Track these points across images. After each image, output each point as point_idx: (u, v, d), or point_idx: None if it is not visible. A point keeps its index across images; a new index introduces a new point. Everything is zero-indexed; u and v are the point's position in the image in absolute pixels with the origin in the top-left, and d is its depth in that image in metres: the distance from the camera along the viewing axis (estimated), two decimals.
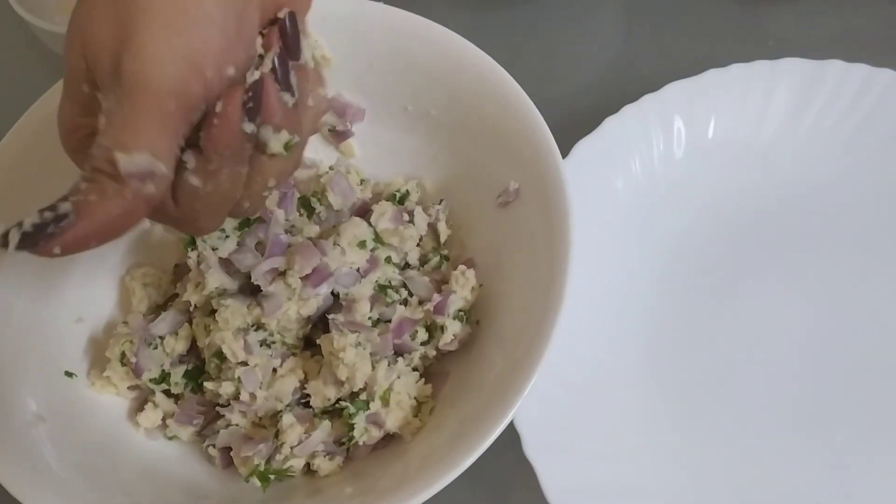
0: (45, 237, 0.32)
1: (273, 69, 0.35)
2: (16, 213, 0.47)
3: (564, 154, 0.49)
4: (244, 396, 0.46)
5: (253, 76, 0.34)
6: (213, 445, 0.47)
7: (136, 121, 0.32)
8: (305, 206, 0.51)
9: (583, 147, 0.55)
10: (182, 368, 0.49)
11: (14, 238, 0.32)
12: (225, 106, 0.34)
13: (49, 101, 0.48)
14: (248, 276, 0.47)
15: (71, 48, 0.35)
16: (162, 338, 0.48)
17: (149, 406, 0.48)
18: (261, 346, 0.46)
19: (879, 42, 0.62)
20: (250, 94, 0.34)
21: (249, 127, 0.34)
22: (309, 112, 0.37)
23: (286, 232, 0.49)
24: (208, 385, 0.47)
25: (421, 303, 0.48)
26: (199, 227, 0.37)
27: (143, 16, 0.32)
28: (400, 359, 0.47)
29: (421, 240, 0.51)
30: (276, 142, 0.36)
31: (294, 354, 0.48)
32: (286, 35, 0.36)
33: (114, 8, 0.33)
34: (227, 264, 0.47)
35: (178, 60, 0.32)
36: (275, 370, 0.47)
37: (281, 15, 0.36)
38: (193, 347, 0.49)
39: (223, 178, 0.35)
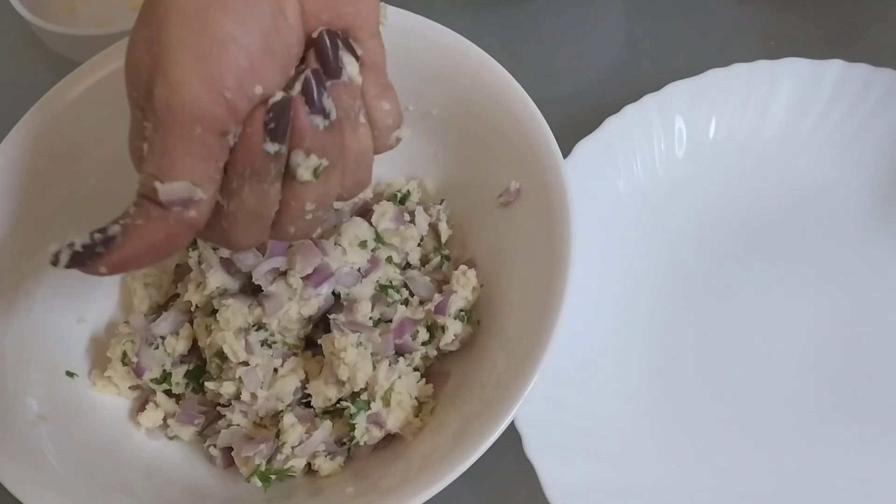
0: (93, 257, 0.34)
1: (305, 89, 0.34)
2: (15, 213, 0.48)
3: (565, 154, 0.49)
4: (245, 396, 0.46)
5: (277, 96, 0.34)
6: (215, 445, 0.47)
7: (170, 148, 0.33)
8: None
9: (584, 147, 0.55)
10: (183, 368, 0.49)
11: (64, 257, 0.34)
12: (245, 126, 0.34)
13: (50, 102, 0.48)
14: (250, 276, 0.47)
15: (125, 73, 0.35)
16: (163, 338, 0.48)
17: (150, 406, 0.48)
18: (262, 345, 0.46)
19: (880, 42, 0.62)
20: (271, 114, 0.33)
21: (272, 147, 0.34)
22: (361, 131, 0.37)
23: None
24: (209, 385, 0.47)
25: (422, 303, 0.48)
26: (233, 244, 0.37)
27: (168, 40, 0.33)
28: (401, 359, 0.47)
29: (422, 240, 0.51)
30: (304, 168, 0.35)
31: (295, 354, 0.48)
32: (321, 52, 0.35)
33: (147, 32, 0.34)
34: (228, 264, 0.47)
35: (197, 84, 0.32)
36: (276, 370, 0.47)
37: (315, 35, 0.35)
38: (195, 347, 0.49)
39: (246, 196, 0.35)
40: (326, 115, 0.35)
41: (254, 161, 0.34)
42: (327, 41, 0.35)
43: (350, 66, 0.36)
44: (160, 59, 0.33)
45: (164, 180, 0.33)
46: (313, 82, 0.34)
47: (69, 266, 0.34)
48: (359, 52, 0.36)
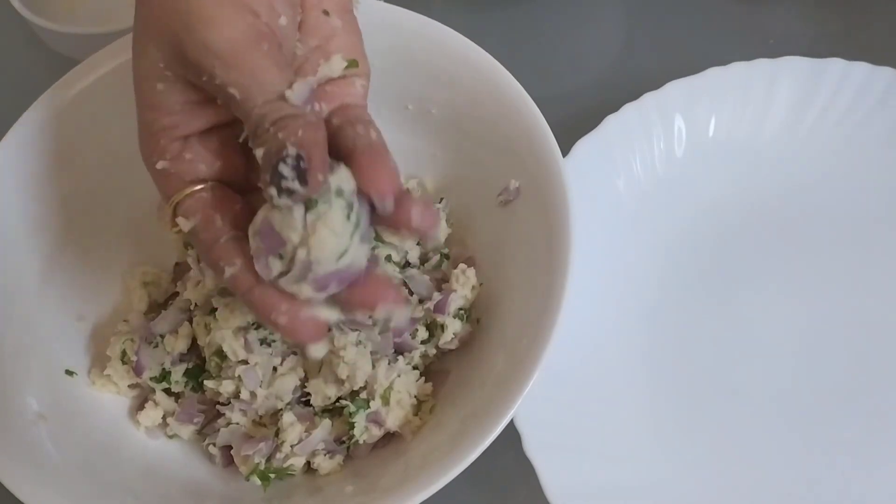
0: (303, 178, 0.33)
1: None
2: (15, 211, 0.47)
3: (565, 153, 0.49)
4: (245, 395, 0.46)
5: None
6: (214, 444, 0.47)
7: (261, 66, 0.34)
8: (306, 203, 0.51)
9: (583, 146, 0.55)
10: (182, 367, 0.49)
11: (282, 196, 0.34)
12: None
13: (50, 100, 0.48)
14: None
15: (150, 46, 0.36)
16: (162, 336, 0.48)
17: (149, 405, 0.48)
18: (261, 344, 0.46)
19: (880, 40, 0.62)
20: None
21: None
22: None
23: None
24: (209, 384, 0.47)
25: (421, 301, 0.48)
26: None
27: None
28: (400, 357, 0.47)
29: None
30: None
31: (294, 353, 0.48)
32: None
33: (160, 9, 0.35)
34: None
35: (233, 13, 0.34)
36: (275, 369, 0.47)
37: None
38: (194, 346, 0.49)
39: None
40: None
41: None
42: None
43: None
44: (191, 15, 0.34)
45: (284, 90, 0.34)
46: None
47: (292, 199, 0.34)
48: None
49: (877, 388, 0.51)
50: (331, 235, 0.34)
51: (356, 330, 0.46)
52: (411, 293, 0.49)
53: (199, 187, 0.38)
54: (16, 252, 0.48)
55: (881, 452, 0.49)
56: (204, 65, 0.34)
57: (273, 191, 0.33)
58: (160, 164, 0.37)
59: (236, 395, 0.46)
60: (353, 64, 0.40)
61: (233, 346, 0.46)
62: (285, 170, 0.33)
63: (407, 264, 0.50)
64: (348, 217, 0.35)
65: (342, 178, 0.35)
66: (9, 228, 0.47)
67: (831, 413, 0.50)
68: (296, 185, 0.33)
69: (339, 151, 0.36)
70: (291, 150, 0.33)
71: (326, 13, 0.39)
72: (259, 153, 0.34)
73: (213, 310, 0.47)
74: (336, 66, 0.39)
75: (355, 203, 0.35)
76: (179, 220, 0.38)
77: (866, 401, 0.50)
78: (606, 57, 0.64)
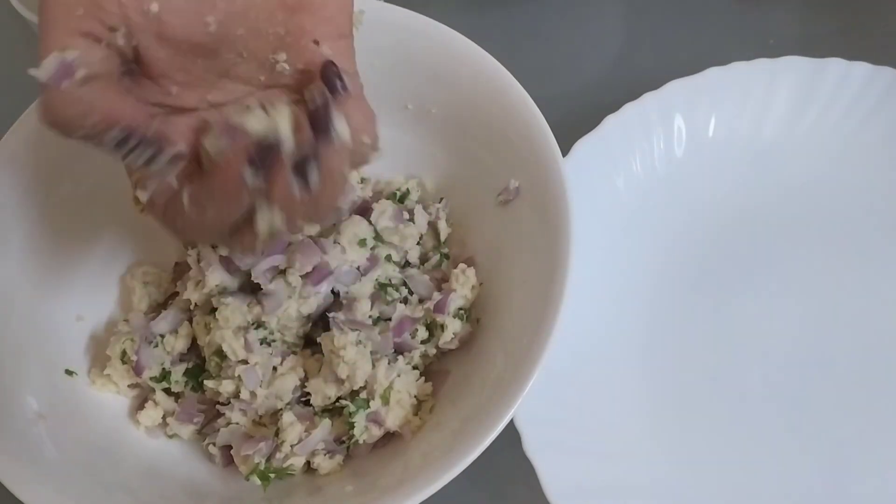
0: None
1: (296, 166, 0.35)
2: (14, 212, 0.47)
3: (565, 152, 0.49)
4: (244, 395, 0.46)
5: (270, 137, 0.34)
6: (214, 444, 0.47)
7: (44, 25, 0.34)
8: None
9: (583, 145, 0.55)
10: (182, 367, 0.49)
11: None
12: (228, 154, 0.34)
13: None
14: (249, 275, 0.47)
15: None
16: (162, 336, 0.48)
17: (149, 404, 0.48)
18: (261, 344, 0.46)
19: (880, 40, 0.62)
20: (259, 151, 0.34)
21: (250, 179, 0.35)
22: (339, 184, 0.37)
23: None
24: (209, 383, 0.47)
25: (421, 301, 0.48)
26: (184, 237, 0.39)
27: None
28: (400, 357, 0.47)
29: (421, 238, 0.51)
30: (262, 221, 0.36)
31: (294, 353, 0.48)
32: (315, 117, 0.36)
33: None
34: (227, 262, 0.47)
35: None
36: (275, 368, 0.47)
37: (310, 99, 0.36)
38: (194, 346, 0.49)
39: (210, 213, 0.36)
40: (308, 184, 0.35)
41: (228, 186, 0.35)
42: (319, 101, 0.36)
43: (342, 130, 0.36)
44: None
45: (38, 66, 0.33)
46: (309, 159, 0.35)
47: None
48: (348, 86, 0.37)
49: (874, 386, 0.51)
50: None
51: (356, 330, 0.46)
52: (411, 293, 0.49)
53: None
54: (15, 252, 0.48)
55: (879, 451, 0.49)
56: None
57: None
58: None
59: (236, 394, 0.46)
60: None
61: (233, 346, 0.46)
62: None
63: (407, 264, 0.50)
64: None
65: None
66: (8, 228, 0.47)
67: (829, 412, 0.50)
68: None
69: None
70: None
71: (317, 43, 0.37)
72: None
73: (213, 310, 0.47)
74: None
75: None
76: (138, 192, 0.39)
77: (864, 399, 0.50)
78: (606, 57, 0.64)
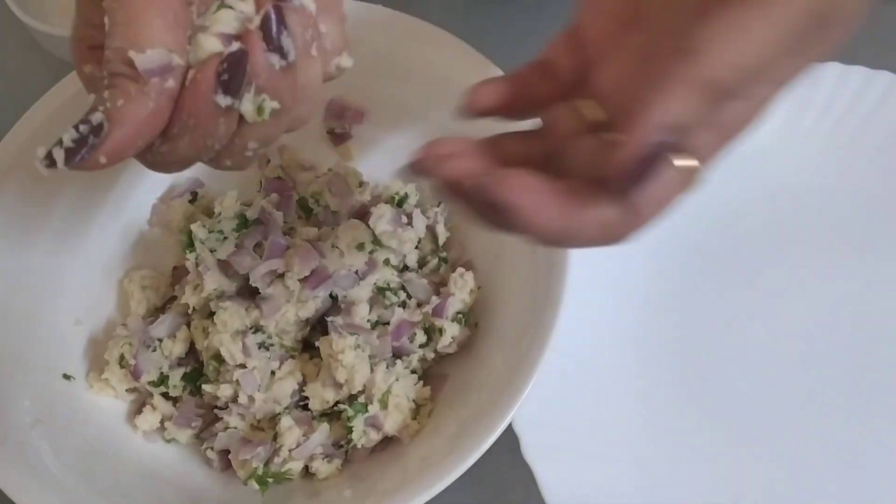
0: (87, 149, 0.31)
1: (264, 24, 0.32)
2: (13, 214, 0.47)
3: None
4: (243, 399, 0.46)
5: (233, 47, 0.32)
6: (212, 448, 0.47)
7: (139, 15, 0.31)
8: (304, 207, 0.51)
9: None
10: (181, 371, 0.49)
11: (59, 156, 0.31)
12: (197, 74, 0.32)
13: (47, 104, 0.48)
14: (247, 279, 0.47)
15: None
16: (160, 340, 0.48)
17: (147, 409, 0.48)
18: (259, 348, 0.46)
19: (877, 44, 0.62)
20: (226, 64, 0.32)
21: (224, 101, 0.32)
22: (312, 66, 0.34)
23: (285, 234, 0.49)
24: (207, 387, 0.47)
25: (420, 305, 0.48)
26: (158, 170, 0.35)
27: None
28: (398, 361, 0.47)
29: (419, 242, 0.51)
30: (253, 107, 0.33)
31: (292, 357, 0.48)
32: None
33: None
34: (225, 266, 0.47)
35: None
36: (273, 372, 0.47)
37: None
38: (192, 350, 0.49)
39: (183, 145, 0.33)
40: (284, 56, 0.33)
41: (200, 112, 0.32)
42: None
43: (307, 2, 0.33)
44: None
45: (139, 50, 0.31)
46: (273, 18, 0.32)
47: (68, 164, 0.31)
48: None
49: (871, 386, 0.51)
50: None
51: (354, 334, 0.46)
52: (410, 297, 0.49)
53: None
54: (13, 256, 0.47)
55: (876, 451, 0.49)
56: None
57: (42, 150, 0.31)
58: (87, 68, 0.36)
59: (234, 398, 0.46)
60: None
61: (231, 350, 0.46)
62: (68, 136, 0.31)
63: (405, 268, 0.50)
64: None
65: None
66: (7, 231, 0.47)
67: (826, 413, 0.50)
68: (62, 156, 0.31)
69: None
70: (96, 116, 0.31)
71: None
72: (90, 99, 0.32)
73: (212, 314, 0.47)
74: (345, 62, 0.37)
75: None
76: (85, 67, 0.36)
77: (861, 400, 0.51)
78: None
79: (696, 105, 0.31)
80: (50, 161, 0.31)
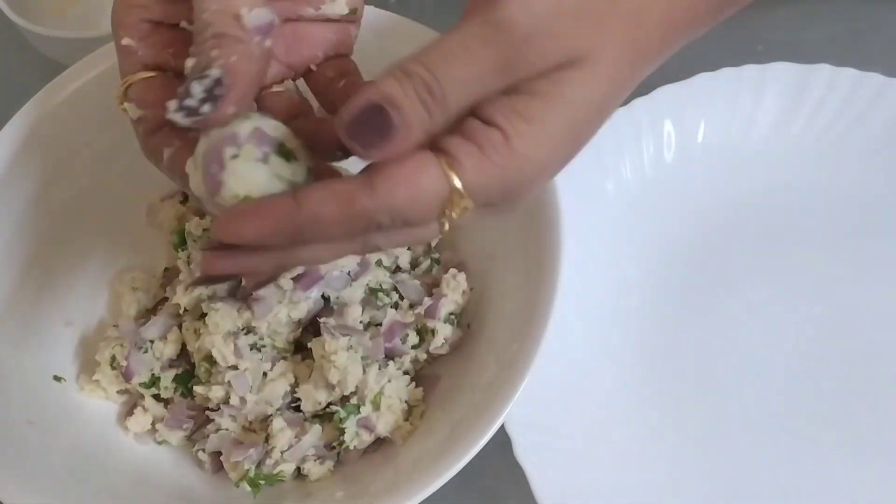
0: (215, 102, 0.32)
1: None
2: (3, 215, 0.47)
3: None
4: (234, 400, 0.46)
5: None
6: (203, 450, 0.47)
7: None
8: None
9: None
10: (172, 373, 0.49)
11: (179, 112, 0.32)
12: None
13: (39, 104, 0.48)
14: (239, 280, 0.47)
15: None
16: (152, 341, 0.48)
17: (138, 410, 0.48)
18: (251, 349, 0.46)
19: (867, 46, 0.63)
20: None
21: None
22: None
23: None
24: (198, 389, 0.47)
25: (412, 306, 0.48)
26: (172, 174, 0.36)
27: None
28: (391, 362, 0.47)
29: None
30: None
31: (284, 358, 0.48)
32: None
33: None
34: None
35: None
36: (265, 374, 0.47)
37: None
38: (183, 351, 0.49)
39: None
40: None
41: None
42: None
43: None
44: None
45: (241, 9, 0.32)
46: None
47: (191, 119, 0.32)
48: None
49: (866, 388, 0.51)
50: (240, 181, 0.32)
51: (347, 335, 0.46)
52: (402, 298, 0.49)
53: (154, 74, 0.37)
54: (2, 256, 0.47)
55: (871, 453, 0.49)
56: None
57: (173, 103, 0.32)
58: (125, 41, 0.36)
59: (226, 400, 0.46)
60: (353, 11, 0.39)
61: (222, 352, 0.46)
62: (196, 88, 0.32)
63: (398, 269, 0.50)
64: (265, 161, 0.32)
65: (267, 125, 0.33)
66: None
67: (820, 415, 0.50)
68: (200, 106, 0.32)
69: (334, 105, 0.36)
70: (214, 72, 0.32)
71: None
72: (189, 62, 0.33)
73: (203, 315, 0.47)
74: (339, 7, 0.38)
75: (270, 152, 0.33)
76: (128, 105, 0.37)
77: (853, 403, 0.51)
78: None
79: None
80: (188, 111, 0.32)
